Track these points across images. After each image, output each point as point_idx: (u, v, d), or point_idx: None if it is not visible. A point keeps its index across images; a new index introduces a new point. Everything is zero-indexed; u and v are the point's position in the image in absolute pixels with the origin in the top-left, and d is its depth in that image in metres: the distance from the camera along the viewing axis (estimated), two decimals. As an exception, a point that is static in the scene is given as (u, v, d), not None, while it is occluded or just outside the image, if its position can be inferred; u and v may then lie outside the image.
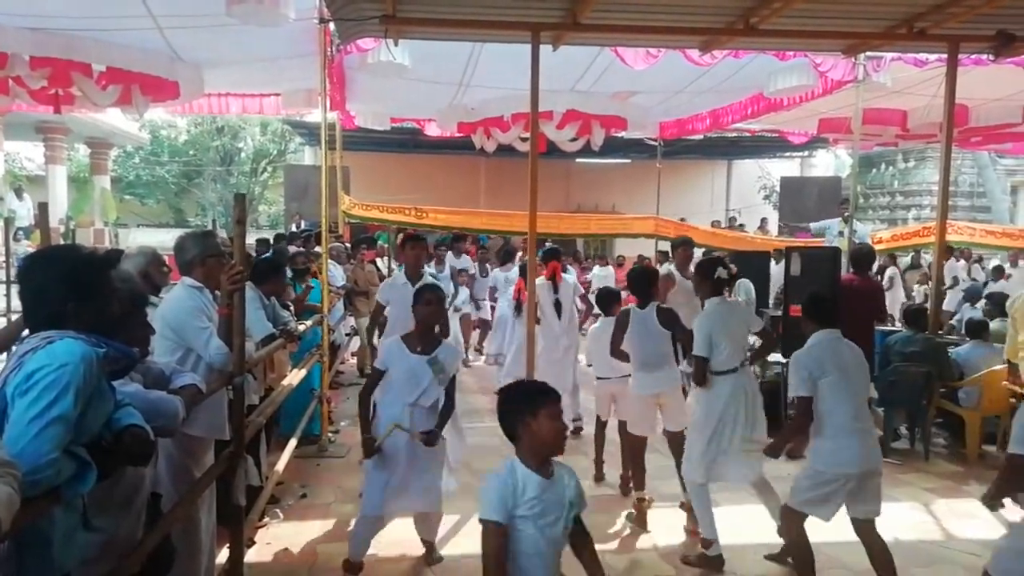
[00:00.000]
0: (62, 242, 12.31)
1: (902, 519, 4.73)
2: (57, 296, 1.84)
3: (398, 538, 4.30)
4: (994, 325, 7.05)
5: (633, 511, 4.78)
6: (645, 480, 4.82)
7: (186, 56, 7.50)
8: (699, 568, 4.10)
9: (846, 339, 3.72)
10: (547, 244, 10.95)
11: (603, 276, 13.66)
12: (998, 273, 12.13)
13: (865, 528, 3.57)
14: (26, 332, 1.93)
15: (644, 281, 4.89)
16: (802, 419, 3.60)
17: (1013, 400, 6.32)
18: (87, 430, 1.76)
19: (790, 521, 3.68)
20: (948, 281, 11.72)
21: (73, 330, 1.80)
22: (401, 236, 5.05)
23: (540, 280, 6.67)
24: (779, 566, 4.10)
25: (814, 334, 3.72)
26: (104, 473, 1.79)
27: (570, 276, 7.14)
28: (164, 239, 12.68)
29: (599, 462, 5.61)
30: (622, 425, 5.10)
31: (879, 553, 3.54)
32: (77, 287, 1.86)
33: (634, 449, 4.86)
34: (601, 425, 5.63)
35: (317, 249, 8.14)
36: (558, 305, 6.68)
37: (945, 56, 6.29)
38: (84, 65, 6.91)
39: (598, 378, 5.57)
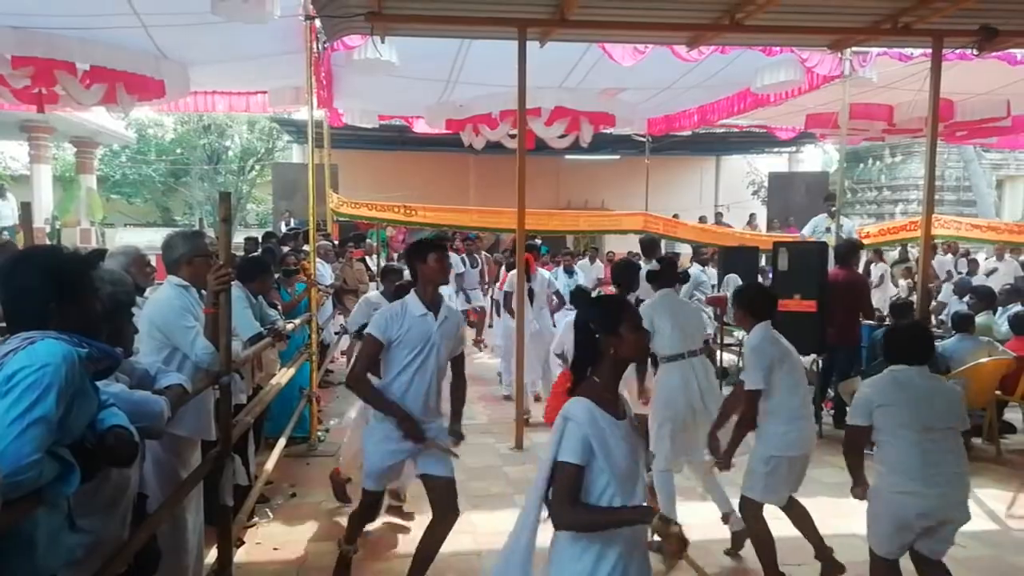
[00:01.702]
0: (48, 242, 12.21)
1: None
2: (39, 296, 1.82)
3: (385, 535, 4.30)
4: (980, 319, 7.11)
5: None
6: None
7: (171, 54, 7.44)
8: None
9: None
10: (537, 241, 11.07)
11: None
12: (973, 265, 12.29)
13: (790, 501, 3.85)
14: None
15: (628, 273, 5.00)
16: (752, 414, 3.70)
17: (998, 393, 6.39)
18: (70, 431, 1.74)
19: (750, 511, 3.79)
20: (942, 275, 11.82)
21: (55, 330, 1.78)
22: (416, 242, 3.65)
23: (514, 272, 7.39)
24: (740, 561, 4.15)
25: (757, 327, 3.79)
26: (88, 474, 1.78)
27: (545, 271, 7.85)
28: (152, 238, 12.60)
29: None
30: None
31: (801, 517, 3.86)
32: (59, 287, 1.85)
33: None
34: None
35: (305, 247, 8.11)
36: (531, 293, 7.26)
37: (930, 51, 6.32)
38: (68, 64, 6.85)
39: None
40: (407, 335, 3.42)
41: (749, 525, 3.83)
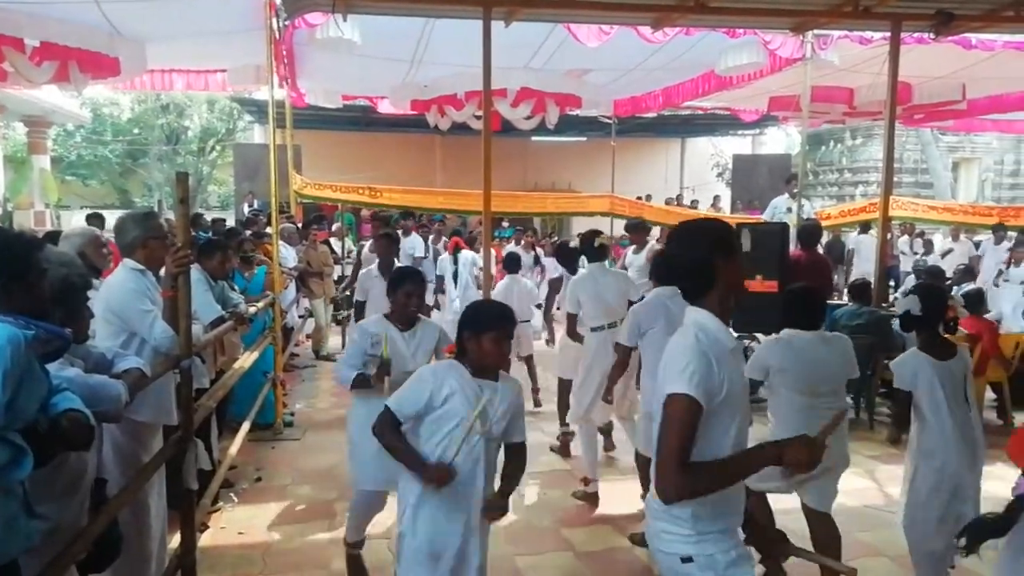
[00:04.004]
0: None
1: (847, 485, 4.86)
2: None
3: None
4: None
5: (558, 442, 5.68)
6: (566, 416, 5.42)
7: (126, 31, 7.22)
8: (583, 502, 4.71)
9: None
10: (504, 223, 10.97)
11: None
12: (928, 247, 12.61)
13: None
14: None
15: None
16: (622, 364, 4.18)
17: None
18: (21, 415, 1.69)
19: (645, 466, 4.11)
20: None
21: (1, 312, 1.73)
22: (708, 225, 2.19)
23: (445, 255, 8.87)
24: None
25: (653, 290, 4.23)
26: (41, 459, 1.74)
27: (468, 252, 8.76)
28: (109, 221, 12.29)
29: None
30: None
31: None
32: (4, 267, 1.80)
33: (561, 390, 5.63)
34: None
35: (268, 230, 7.98)
36: (456, 275, 8.44)
37: (889, 34, 6.43)
38: (15, 40, 6.61)
39: None
40: (730, 385, 1.95)
41: (644, 476, 4.18)
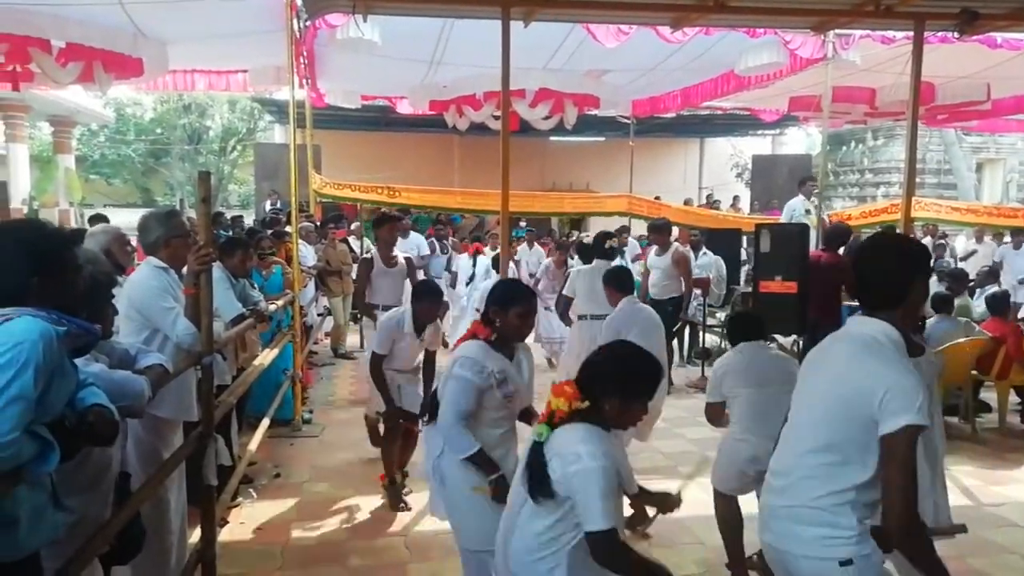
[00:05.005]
0: (25, 223, 11.99)
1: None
2: (19, 271, 1.80)
3: (376, 516, 4.33)
4: (957, 300, 7.21)
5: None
6: None
7: (149, 32, 7.31)
8: None
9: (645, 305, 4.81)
10: (521, 223, 11.05)
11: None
12: (940, 250, 12.40)
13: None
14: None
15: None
16: None
17: (975, 372, 6.51)
18: (49, 410, 1.73)
19: None
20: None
21: (34, 307, 1.76)
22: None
23: (464, 256, 9.47)
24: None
25: (620, 301, 4.53)
26: (67, 453, 1.77)
27: (485, 258, 9.11)
28: (132, 219, 12.43)
29: None
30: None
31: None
32: (40, 262, 1.83)
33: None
34: None
35: (286, 229, 8.05)
36: (472, 277, 9.02)
37: (911, 34, 6.34)
38: (42, 41, 6.70)
39: None
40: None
41: None
